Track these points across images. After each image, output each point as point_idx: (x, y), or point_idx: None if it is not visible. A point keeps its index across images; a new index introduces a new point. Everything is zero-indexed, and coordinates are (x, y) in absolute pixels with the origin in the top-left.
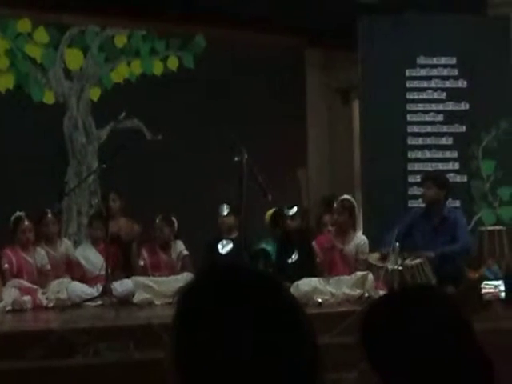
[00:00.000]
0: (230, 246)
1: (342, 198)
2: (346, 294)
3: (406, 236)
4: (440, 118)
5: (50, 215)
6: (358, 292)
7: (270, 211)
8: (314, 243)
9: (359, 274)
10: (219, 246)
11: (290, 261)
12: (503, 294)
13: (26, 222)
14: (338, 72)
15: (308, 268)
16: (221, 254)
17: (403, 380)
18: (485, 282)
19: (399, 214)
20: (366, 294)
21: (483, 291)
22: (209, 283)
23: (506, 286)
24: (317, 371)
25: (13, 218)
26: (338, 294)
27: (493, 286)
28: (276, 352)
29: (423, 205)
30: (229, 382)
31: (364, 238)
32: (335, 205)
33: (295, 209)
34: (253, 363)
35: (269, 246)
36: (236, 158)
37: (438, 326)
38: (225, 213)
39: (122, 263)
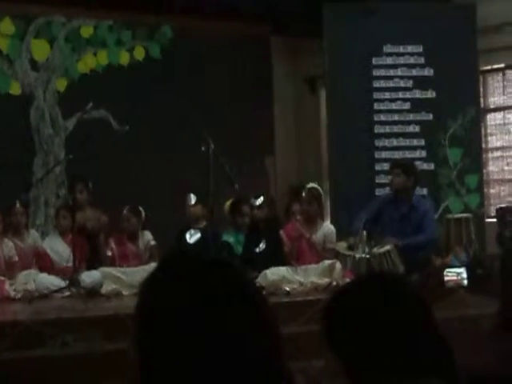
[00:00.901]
0: (198, 235)
1: (310, 186)
2: (314, 282)
3: (373, 223)
4: (407, 106)
5: (18, 206)
6: (325, 281)
7: (229, 201)
8: (281, 232)
9: (327, 262)
10: (187, 236)
11: (257, 250)
12: (465, 282)
13: None
14: (305, 60)
15: (276, 257)
16: (189, 244)
17: (365, 366)
18: (447, 270)
19: (366, 202)
20: (334, 283)
21: (446, 278)
22: (166, 273)
23: (468, 273)
24: (279, 359)
25: None
26: (306, 282)
27: (455, 274)
28: (236, 340)
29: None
30: (188, 371)
31: (331, 226)
32: (303, 194)
33: (262, 198)
34: (213, 351)
35: (230, 237)
36: (202, 148)
37: (397, 312)
38: (192, 202)
39: (89, 254)
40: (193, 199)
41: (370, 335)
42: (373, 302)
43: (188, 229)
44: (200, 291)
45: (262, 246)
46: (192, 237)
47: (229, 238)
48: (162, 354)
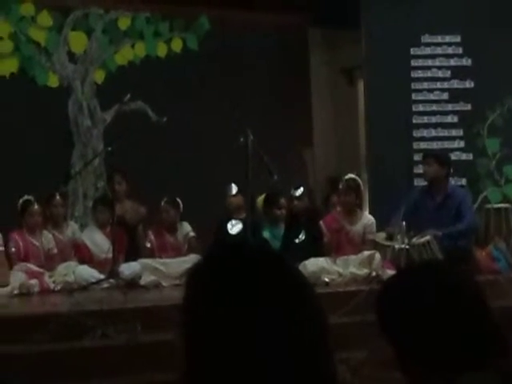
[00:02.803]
0: (240, 226)
1: (348, 177)
2: (353, 273)
3: (411, 214)
4: (445, 96)
5: (57, 197)
6: (365, 271)
7: (261, 196)
8: (321, 223)
9: (366, 253)
10: (228, 226)
11: (297, 241)
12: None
13: (35, 206)
14: (342, 51)
15: (315, 248)
16: (230, 235)
17: (419, 356)
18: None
19: (405, 192)
20: (373, 274)
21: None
22: (216, 263)
23: (508, 263)
24: (326, 349)
25: (21, 201)
26: (345, 273)
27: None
28: (283, 329)
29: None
30: (237, 360)
31: (371, 217)
32: (341, 185)
33: (301, 189)
34: (261, 340)
35: (266, 232)
36: (241, 139)
37: (453, 302)
38: (233, 192)
39: (128, 246)
40: (234, 189)
41: (424, 325)
42: (427, 290)
43: (229, 219)
44: (248, 282)
45: (302, 236)
46: (234, 227)
47: (265, 234)
48: (209, 345)
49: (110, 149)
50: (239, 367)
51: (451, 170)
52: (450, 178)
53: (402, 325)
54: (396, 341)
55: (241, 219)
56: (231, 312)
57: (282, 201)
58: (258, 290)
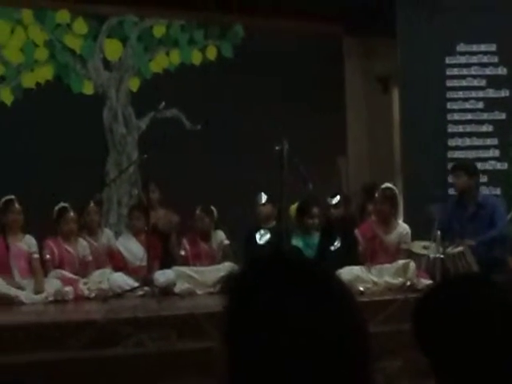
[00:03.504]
0: (268, 236)
1: (384, 186)
2: (388, 282)
3: (445, 225)
4: (480, 105)
5: (92, 205)
6: (400, 280)
7: (294, 205)
8: (356, 232)
9: (401, 262)
10: (257, 236)
11: (332, 249)
12: None
13: (71, 213)
14: (377, 60)
15: (350, 256)
16: (258, 244)
17: (456, 367)
18: None
19: (440, 202)
20: (408, 283)
21: None
22: (256, 272)
23: None
24: (368, 359)
25: (56, 208)
26: (380, 282)
27: None
28: (327, 340)
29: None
30: (279, 370)
31: (406, 226)
32: (377, 194)
33: (338, 197)
34: (304, 350)
35: (299, 242)
36: (276, 147)
37: (493, 313)
38: (263, 201)
39: (162, 253)
40: (263, 198)
41: (462, 337)
42: (466, 302)
43: (258, 229)
44: (290, 292)
45: (337, 244)
46: (262, 237)
47: (297, 243)
48: (251, 355)
49: (145, 156)
50: (281, 378)
51: (479, 179)
52: (485, 188)
53: (441, 337)
54: (433, 352)
55: (269, 228)
56: (273, 322)
57: (315, 210)
58: (301, 300)
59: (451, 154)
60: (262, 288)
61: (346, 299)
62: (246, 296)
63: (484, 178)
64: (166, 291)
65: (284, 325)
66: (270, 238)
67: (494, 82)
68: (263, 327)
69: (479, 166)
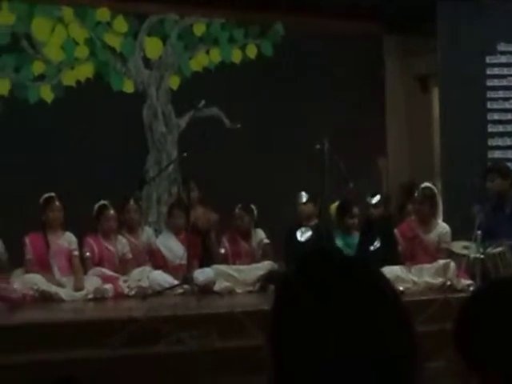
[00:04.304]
0: (309, 233)
1: (423, 186)
2: (428, 282)
3: (484, 225)
4: None
5: (132, 203)
6: (440, 280)
7: (334, 204)
8: (395, 231)
9: (441, 262)
10: (298, 234)
11: (372, 248)
12: None
13: (111, 211)
14: (417, 59)
15: (390, 256)
16: (300, 242)
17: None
18: None
19: (479, 202)
20: (448, 283)
21: None
22: (304, 271)
23: None
24: (416, 359)
25: (96, 206)
26: (420, 282)
27: None
28: (375, 338)
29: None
30: (325, 366)
31: (446, 226)
32: (416, 193)
33: (378, 197)
34: (351, 348)
35: (339, 241)
36: (317, 146)
37: None
38: (303, 200)
39: (201, 252)
40: (304, 197)
41: (505, 342)
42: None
43: (299, 227)
44: (338, 291)
45: (377, 244)
46: (303, 235)
47: (337, 242)
48: (297, 353)
49: (185, 154)
50: (328, 377)
51: None
52: None
53: (486, 340)
54: (477, 355)
55: (310, 226)
56: (320, 321)
57: (355, 210)
58: (349, 300)
59: (491, 154)
60: (309, 286)
61: (392, 297)
62: (293, 294)
63: None
64: (206, 289)
65: (332, 323)
66: (311, 236)
67: None
68: (311, 325)
69: None
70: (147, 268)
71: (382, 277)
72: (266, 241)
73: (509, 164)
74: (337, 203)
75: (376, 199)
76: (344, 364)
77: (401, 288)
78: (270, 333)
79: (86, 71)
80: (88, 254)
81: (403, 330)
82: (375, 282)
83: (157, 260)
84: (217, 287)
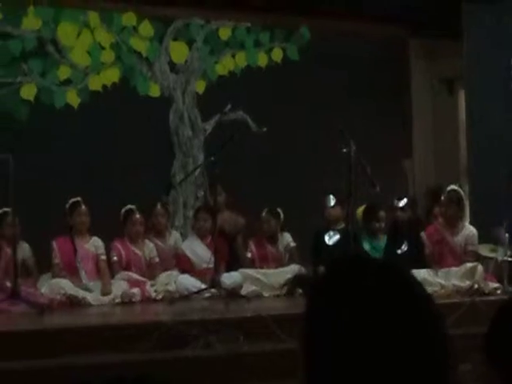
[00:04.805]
0: (337, 236)
1: (450, 189)
2: (456, 285)
3: None
4: None
5: (159, 207)
6: (467, 283)
7: (361, 207)
8: (422, 234)
9: (469, 265)
10: (326, 237)
11: (399, 252)
12: None
13: (137, 215)
14: (443, 61)
15: (417, 259)
16: (327, 245)
17: None
18: None
19: (506, 204)
20: (476, 286)
21: None
22: (336, 276)
23: None
24: (449, 361)
25: (123, 210)
26: (448, 285)
27: None
28: (409, 341)
29: None
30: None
31: (473, 229)
32: (443, 196)
33: (405, 200)
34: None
35: (366, 244)
36: (344, 150)
37: None
38: (331, 204)
39: (228, 256)
40: (332, 201)
41: None
42: None
43: (326, 230)
44: (371, 295)
45: (404, 247)
46: (331, 238)
47: (365, 246)
48: (330, 356)
49: (212, 158)
50: (362, 380)
51: None
52: None
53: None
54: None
55: (338, 230)
56: (353, 325)
57: (382, 213)
58: (382, 304)
59: None
60: (342, 290)
61: (426, 300)
62: (326, 299)
63: None
64: (233, 293)
65: (366, 327)
66: (339, 240)
67: None
68: (344, 330)
69: None
70: (174, 272)
71: (415, 280)
72: (293, 244)
73: None
74: (363, 207)
75: (403, 202)
76: (378, 368)
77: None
78: (301, 337)
79: (111, 76)
80: (115, 258)
81: (437, 332)
82: (409, 286)
83: (183, 264)
84: (244, 291)
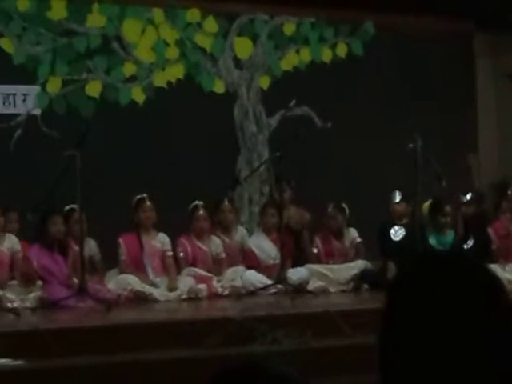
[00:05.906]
0: (403, 232)
1: None
2: None
3: None
4: None
5: (226, 203)
6: None
7: (427, 203)
8: (489, 229)
9: None
10: (391, 232)
11: (465, 246)
12: None
13: (201, 211)
14: (508, 57)
15: (484, 254)
16: (393, 241)
17: None
18: None
19: None
20: None
21: None
22: (419, 272)
23: None
24: None
25: (190, 206)
26: None
27: None
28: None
29: None
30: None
31: None
32: (509, 191)
33: (470, 194)
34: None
35: (432, 240)
36: (410, 145)
37: None
38: (397, 199)
39: (294, 252)
40: (398, 197)
41: None
42: None
43: (392, 225)
44: (455, 292)
45: (470, 242)
46: (397, 233)
47: (431, 241)
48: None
49: (278, 154)
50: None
51: None
52: None
53: None
54: None
55: (403, 225)
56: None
57: (448, 208)
58: (468, 300)
59: None
60: (425, 287)
61: (507, 295)
62: (409, 296)
63: None
64: (299, 289)
65: (448, 324)
66: (405, 235)
67: None
68: (427, 327)
69: None
70: (240, 268)
71: (495, 276)
72: (359, 240)
73: None
74: (429, 202)
75: (468, 197)
76: (458, 365)
77: None
78: (381, 333)
79: (176, 72)
80: (182, 254)
81: None
82: (498, 285)
83: (250, 260)
84: (310, 286)
